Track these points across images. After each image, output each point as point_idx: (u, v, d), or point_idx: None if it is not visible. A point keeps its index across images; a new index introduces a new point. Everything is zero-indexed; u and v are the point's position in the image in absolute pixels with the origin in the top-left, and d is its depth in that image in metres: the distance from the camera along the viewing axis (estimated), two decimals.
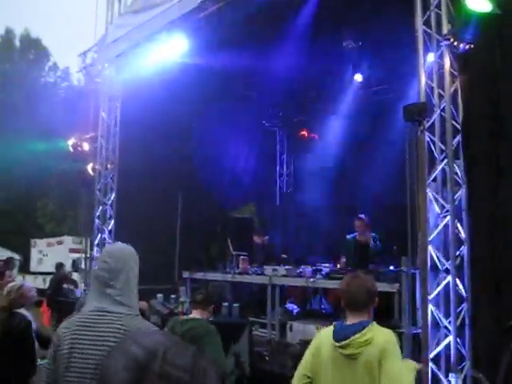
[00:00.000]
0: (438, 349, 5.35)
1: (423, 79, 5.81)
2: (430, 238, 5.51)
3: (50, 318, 11.18)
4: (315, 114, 12.69)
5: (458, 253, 5.45)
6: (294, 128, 13.47)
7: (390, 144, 9.35)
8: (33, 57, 36.86)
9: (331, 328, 3.15)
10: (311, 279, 8.02)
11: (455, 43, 5.48)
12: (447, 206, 5.52)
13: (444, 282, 5.42)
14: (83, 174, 10.84)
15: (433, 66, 5.80)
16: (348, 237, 8.96)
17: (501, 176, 5.37)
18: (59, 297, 11.10)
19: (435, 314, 5.41)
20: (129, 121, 10.46)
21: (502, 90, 5.42)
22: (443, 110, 5.67)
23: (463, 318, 5.40)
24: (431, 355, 5.33)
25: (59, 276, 12.26)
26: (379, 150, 10.30)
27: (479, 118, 5.65)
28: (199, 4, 8.14)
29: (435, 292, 5.44)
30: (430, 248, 5.50)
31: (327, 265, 8.57)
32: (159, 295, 9.05)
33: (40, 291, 8.57)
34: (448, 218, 5.49)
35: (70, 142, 10.82)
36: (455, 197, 5.55)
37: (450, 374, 5.24)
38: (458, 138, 5.63)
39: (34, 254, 24.51)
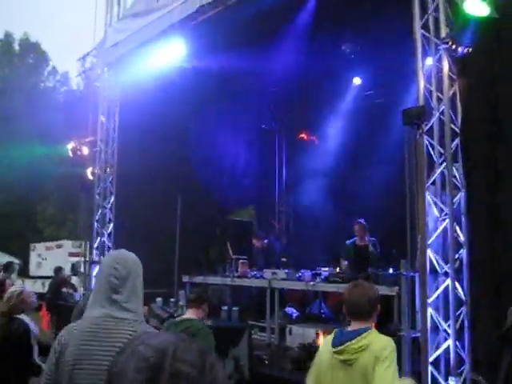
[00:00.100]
0: (438, 352, 5.35)
1: (422, 83, 5.82)
2: (429, 242, 5.52)
3: (50, 322, 11.16)
4: (314, 116, 12.69)
5: (457, 256, 5.46)
6: (293, 131, 13.47)
7: (389, 147, 9.36)
8: (32, 61, 36.90)
9: (331, 335, 3.18)
10: (311, 283, 8.01)
11: (453, 47, 5.50)
12: (446, 210, 5.53)
13: (443, 286, 5.42)
14: (82, 178, 10.85)
15: (431, 70, 5.82)
16: (347, 242, 8.97)
17: (499, 179, 5.37)
18: (58, 301, 11.08)
19: (435, 318, 5.41)
20: (128, 125, 10.48)
21: (500, 93, 5.44)
22: (442, 113, 5.69)
23: (462, 322, 5.40)
24: (431, 359, 5.33)
25: (58, 280, 12.24)
26: (379, 153, 10.31)
27: (478, 122, 5.67)
28: (198, 9, 8.17)
29: (434, 295, 5.44)
30: (429, 251, 5.50)
31: (326, 269, 8.56)
32: (159, 299, 9.05)
33: (39, 295, 8.55)
34: (447, 221, 5.50)
35: (70, 146, 10.84)
36: (454, 200, 5.56)
37: (449, 378, 5.24)
38: (457, 141, 5.65)
39: (33, 258, 24.48)
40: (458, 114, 5.72)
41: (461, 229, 5.54)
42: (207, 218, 10.96)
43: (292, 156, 13.59)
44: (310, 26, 8.75)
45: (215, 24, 8.54)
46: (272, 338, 8.14)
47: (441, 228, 5.52)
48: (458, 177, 5.64)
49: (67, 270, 14.41)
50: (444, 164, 5.60)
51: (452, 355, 5.28)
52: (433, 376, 5.29)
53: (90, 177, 10.68)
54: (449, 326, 5.34)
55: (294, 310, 8.70)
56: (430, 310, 5.41)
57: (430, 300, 5.43)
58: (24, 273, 23.04)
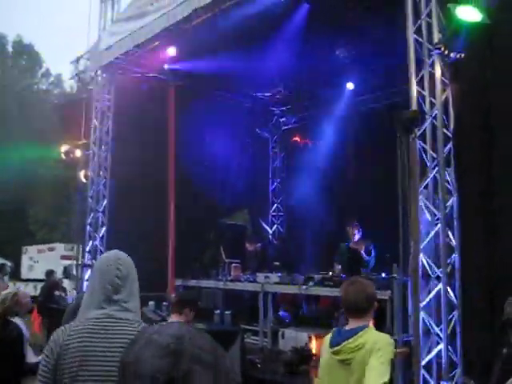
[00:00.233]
0: (430, 356, 5.37)
1: (414, 87, 5.85)
2: (421, 246, 5.53)
3: (41, 325, 11.11)
4: (308, 120, 12.74)
5: (449, 260, 5.48)
6: (287, 134, 13.51)
7: (382, 151, 9.38)
8: (25, 63, 36.78)
9: (329, 335, 3.18)
10: (303, 286, 8.02)
11: (446, 52, 5.53)
12: (438, 214, 5.55)
13: (435, 290, 5.44)
14: (75, 180, 10.82)
15: (424, 75, 5.85)
16: (342, 245, 8.97)
17: (492, 184, 5.41)
18: (50, 304, 11.03)
19: (427, 322, 5.42)
20: (121, 128, 10.48)
21: (492, 100, 5.47)
22: (435, 117, 5.72)
23: (454, 326, 5.42)
24: (423, 362, 5.34)
25: (50, 283, 12.18)
26: (372, 157, 10.34)
27: (470, 127, 5.71)
28: (191, 12, 8.18)
29: (426, 299, 5.46)
30: (422, 255, 5.52)
31: (320, 273, 8.57)
32: (151, 302, 9.02)
33: (31, 298, 8.50)
34: (439, 225, 5.52)
35: (63, 148, 10.81)
36: (446, 204, 5.59)
37: (441, 382, 5.26)
38: (450, 145, 5.68)
39: (25, 261, 24.35)
40: (450, 119, 5.75)
41: (453, 233, 5.57)
42: (200, 222, 10.95)
43: (286, 160, 13.61)
44: (303, 31, 8.79)
45: (209, 27, 8.56)
46: (265, 341, 8.14)
47: (433, 232, 5.55)
48: (450, 181, 5.67)
49: (59, 273, 14.35)
50: (436, 168, 5.63)
51: (444, 359, 5.30)
52: (425, 380, 5.30)
53: (83, 180, 10.65)
54: (441, 330, 5.36)
55: (287, 314, 8.70)
56: (422, 314, 5.42)
57: (422, 304, 5.44)
58: (16, 276, 22.90)
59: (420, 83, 5.85)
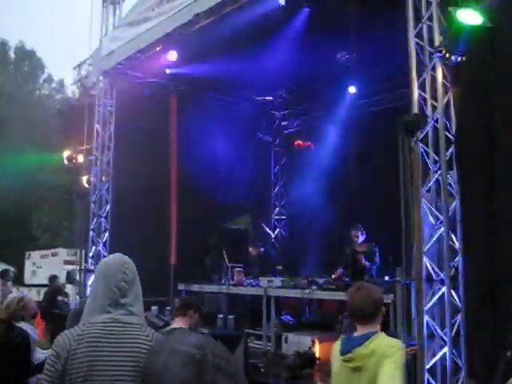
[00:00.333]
0: (434, 360, 5.35)
1: (416, 90, 5.86)
2: (424, 249, 5.52)
3: (45, 331, 11.11)
4: (310, 124, 12.76)
5: (452, 264, 5.47)
6: (289, 138, 13.53)
7: (384, 155, 9.38)
8: (27, 69, 36.87)
9: (338, 342, 3.12)
10: (306, 290, 8.01)
11: (447, 55, 5.53)
12: (441, 217, 5.54)
13: (439, 293, 5.43)
14: (78, 186, 10.83)
15: (426, 78, 5.85)
16: (346, 248, 8.93)
17: (494, 187, 5.39)
18: (54, 309, 11.03)
19: (431, 325, 5.41)
20: (123, 133, 10.50)
21: (493, 102, 5.47)
22: (436, 121, 5.71)
23: (458, 329, 5.40)
24: (427, 366, 5.32)
25: (53, 288, 12.18)
26: (374, 160, 10.34)
27: (472, 130, 5.69)
28: (192, 18, 8.21)
29: (430, 303, 5.45)
30: (425, 259, 5.51)
31: (323, 277, 8.56)
32: (154, 307, 9.02)
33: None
34: (442, 228, 5.51)
35: (65, 154, 10.83)
36: (449, 208, 5.58)
37: None
38: (452, 149, 5.67)
39: (28, 266, 24.34)
40: (452, 122, 5.75)
41: (456, 236, 5.56)
42: (203, 226, 10.96)
43: (288, 163, 13.63)
44: (304, 35, 8.80)
45: (210, 32, 8.58)
46: (268, 345, 8.13)
47: (436, 236, 5.54)
48: (452, 184, 5.66)
49: (62, 279, 14.35)
50: (439, 171, 5.62)
51: (448, 363, 5.28)
52: None
53: (86, 185, 10.67)
54: (445, 333, 5.34)
55: (290, 318, 8.69)
56: (426, 318, 5.41)
57: (426, 308, 5.43)
58: (19, 281, 22.90)
59: (421, 86, 5.86)
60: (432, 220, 5.60)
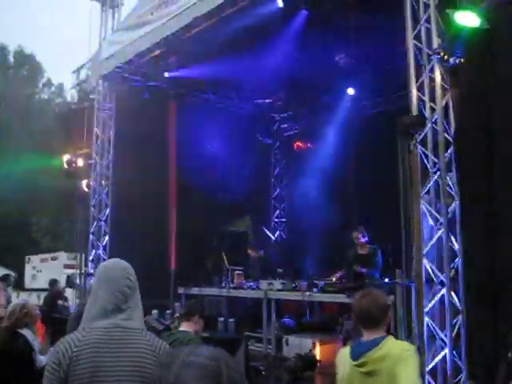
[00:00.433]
0: (435, 361, 5.35)
1: (415, 92, 5.87)
2: (424, 251, 5.53)
3: (45, 335, 11.09)
4: (309, 126, 12.77)
5: (452, 265, 5.47)
6: (289, 141, 13.55)
7: (383, 157, 9.38)
8: (26, 73, 36.89)
9: (347, 348, 3.13)
10: (307, 293, 8.01)
11: (445, 57, 5.55)
12: (441, 219, 5.55)
13: (439, 295, 5.43)
14: (78, 190, 10.84)
15: (424, 80, 5.86)
16: (349, 250, 8.90)
17: (493, 188, 5.40)
18: (54, 313, 11.01)
19: (431, 327, 5.41)
20: (122, 137, 10.51)
21: (492, 104, 5.48)
22: (435, 122, 5.72)
23: (459, 330, 5.40)
24: (428, 368, 5.32)
25: (53, 292, 12.17)
26: (374, 162, 10.34)
27: (470, 132, 5.70)
28: (191, 21, 8.22)
29: (430, 304, 5.45)
30: (425, 260, 5.51)
31: (323, 279, 8.55)
32: (154, 311, 9.01)
33: None
34: (442, 230, 5.52)
35: (65, 157, 10.83)
36: (449, 209, 5.59)
37: None
38: (451, 150, 5.68)
39: (28, 271, 24.32)
40: (450, 124, 5.76)
41: (456, 238, 5.56)
42: (202, 229, 10.96)
43: (288, 166, 13.64)
44: (302, 37, 8.82)
45: (208, 36, 8.60)
46: (269, 348, 8.13)
47: (436, 237, 5.54)
48: (452, 186, 5.67)
49: (62, 282, 14.34)
50: (438, 173, 5.63)
51: (449, 364, 5.28)
52: None
53: (86, 189, 10.67)
54: (445, 335, 5.34)
55: (291, 321, 8.69)
56: (426, 319, 5.41)
57: (426, 309, 5.43)
58: (19, 285, 22.87)
59: (420, 88, 5.87)
60: (431, 221, 5.61)
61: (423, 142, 5.74)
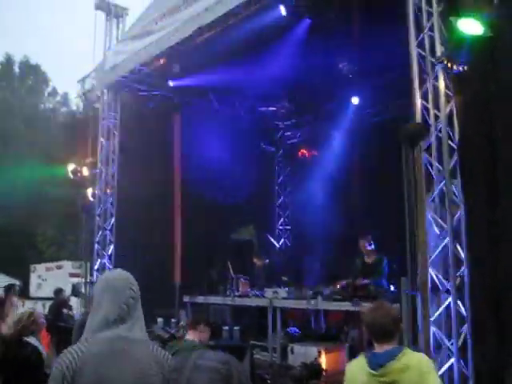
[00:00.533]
0: (442, 370, 5.31)
1: (419, 100, 5.87)
2: (430, 259, 5.51)
3: (50, 344, 11.09)
4: (313, 134, 12.78)
5: (458, 273, 5.45)
6: (292, 149, 13.56)
7: (388, 165, 9.37)
8: (32, 83, 37.11)
9: (362, 359, 3.11)
10: (312, 301, 7.98)
11: (449, 65, 5.55)
12: (446, 227, 5.53)
13: (445, 303, 5.40)
14: (83, 199, 10.87)
15: (428, 88, 5.87)
16: (357, 259, 8.86)
17: (498, 196, 5.39)
18: (59, 322, 11.02)
19: (437, 336, 5.38)
20: (127, 146, 10.56)
21: (494, 112, 5.47)
22: (439, 130, 5.72)
23: (465, 339, 5.37)
24: None
25: (58, 301, 12.19)
26: (378, 170, 10.32)
27: (474, 139, 5.69)
28: (195, 30, 8.27)
29: (436, 313, 5.42)
30: (430, 269, 5.49)
31: (329, 287, 8.51)
32: (160, 320, 9.01)
33: None
34: (447, 238, 5.50)
35: (70, 167, 10.87)
36: (454, 217, 5.57)
37: None
38: (455, 158, 5.67)
39: (34, 279, 24.36)
40: (455, 131, 5.76)
41: (461, 246, 5.54)
42: (207, 238, 10.96)
43: (292, 174, 13.64)
44: (306, 45, 8.85)
45: (213, 44, 8.64)
46: (274, 357, 8.09)
47: (441, 245, 5.52)
48: (457, 193, 5.65)
49: (68, 291, 14.36)
50: (443, 181, 5.62)
51: (456, 373, 5.24)
52: None
53: (91, 198, 10.71)
54: (452, 344, 5.31)
55: (296, 329, 8.66)
56: (432, 328, 5.38)
57: (432, 318, 5.40)
58: (24, 294, 22.90)
59: (424, 96, 5.87)
60: (437, 230, 5.59)
61: (428, 150, 5.73)
